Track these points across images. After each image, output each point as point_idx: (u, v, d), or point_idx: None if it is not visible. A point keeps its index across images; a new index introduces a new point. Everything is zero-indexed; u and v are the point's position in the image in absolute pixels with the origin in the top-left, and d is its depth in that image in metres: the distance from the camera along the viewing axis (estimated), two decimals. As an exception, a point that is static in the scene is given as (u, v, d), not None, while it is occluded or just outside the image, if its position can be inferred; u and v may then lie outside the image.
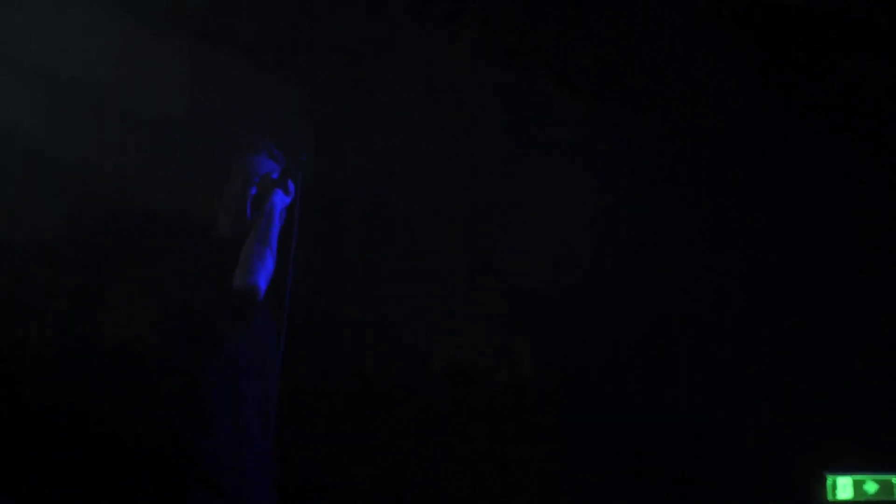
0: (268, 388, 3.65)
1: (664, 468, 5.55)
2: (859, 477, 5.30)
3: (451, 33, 5.44)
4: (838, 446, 5.44)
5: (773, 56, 5.59)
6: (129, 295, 4.83)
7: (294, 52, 5.37)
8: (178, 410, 3.47)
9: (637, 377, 5.70)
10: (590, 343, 5.59)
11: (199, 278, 3.61)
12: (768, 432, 5.53)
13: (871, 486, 5.29)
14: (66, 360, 5.00)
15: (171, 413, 3.48)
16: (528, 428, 5.49)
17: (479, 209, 5.57)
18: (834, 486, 5.31)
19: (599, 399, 5.61)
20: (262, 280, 3.54)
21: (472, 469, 5.49)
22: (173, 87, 5.11)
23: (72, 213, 5.02)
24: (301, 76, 5.29)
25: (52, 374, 4.95)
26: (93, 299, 5.00)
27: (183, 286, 3.57)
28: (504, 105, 5.57)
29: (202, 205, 3.80)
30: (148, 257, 4.27)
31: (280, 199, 3.69)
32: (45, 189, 5.03)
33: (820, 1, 5.51)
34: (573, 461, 5.47)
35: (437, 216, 5.48)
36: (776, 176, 5.63)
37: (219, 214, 3.75)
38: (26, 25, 5.02)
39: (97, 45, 5.06)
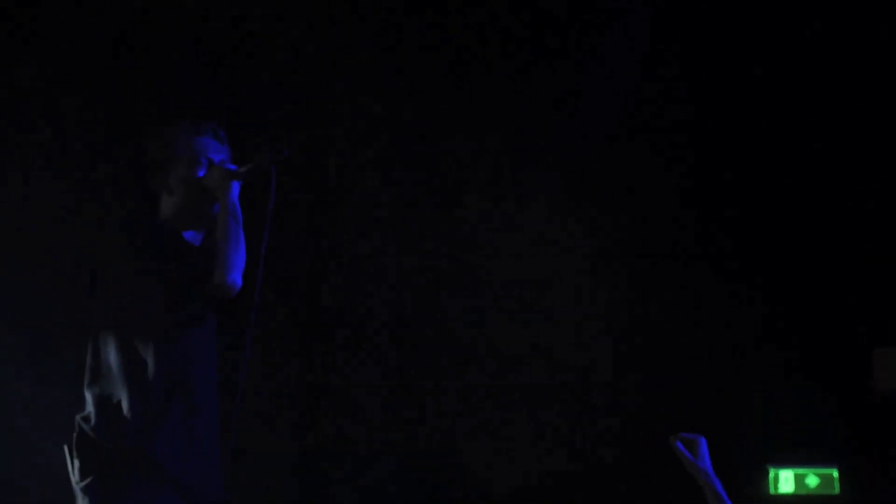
0: (216, 383, 3.61)
1: (606, 465, 5.55)
2: (801, 470, 5.33)
3: None
4: (780, 439, 5.47)
5: None
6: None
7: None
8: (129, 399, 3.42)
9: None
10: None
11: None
12: (710, 425, 5.53)
13: (812, 480, 5.33)
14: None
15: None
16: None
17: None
18: (776, 480, 5.34)
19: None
20: (239, 276, 3.48)
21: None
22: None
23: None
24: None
25: None
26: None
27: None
28: None
29: (148, 191, 3.73)
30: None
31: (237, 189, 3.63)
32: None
33: None
34: None
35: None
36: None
37: (163, 198, 3.68)
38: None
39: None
